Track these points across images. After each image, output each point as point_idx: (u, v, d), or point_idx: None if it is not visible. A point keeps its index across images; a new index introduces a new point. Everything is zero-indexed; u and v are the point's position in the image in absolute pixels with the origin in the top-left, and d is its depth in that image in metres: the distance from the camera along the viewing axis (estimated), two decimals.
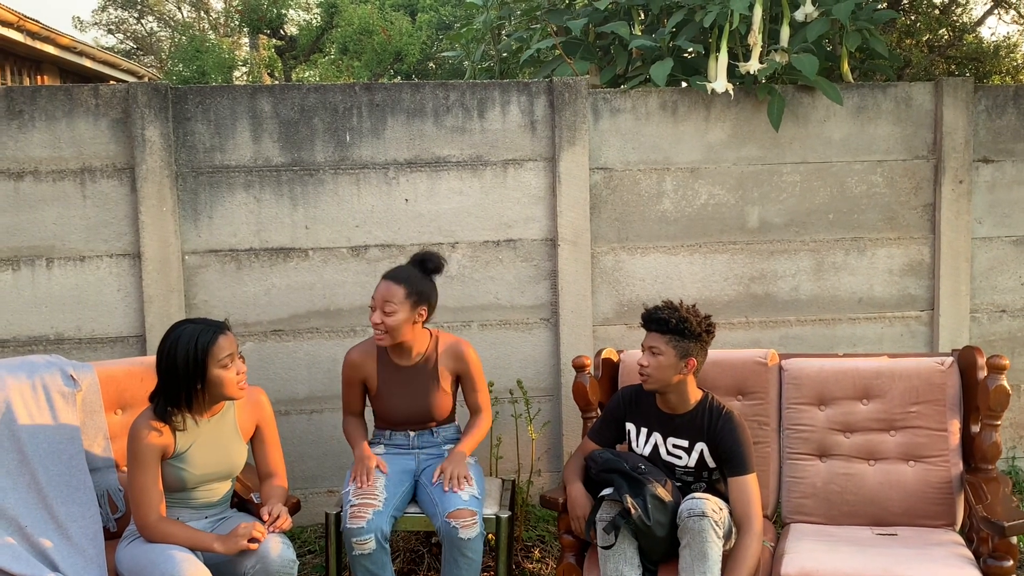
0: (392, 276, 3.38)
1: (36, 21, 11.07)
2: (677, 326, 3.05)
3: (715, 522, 2.88)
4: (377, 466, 3.35)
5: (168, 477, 2.95)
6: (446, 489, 3.27)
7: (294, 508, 3.21)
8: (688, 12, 4.45)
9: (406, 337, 3.39)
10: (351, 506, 3.19)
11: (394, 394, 3.48)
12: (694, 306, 3.16)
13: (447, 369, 3.50)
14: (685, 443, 3.15)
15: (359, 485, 3.26)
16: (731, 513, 3.03)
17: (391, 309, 3.32)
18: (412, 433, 3.52)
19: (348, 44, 10.28)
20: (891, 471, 3.39)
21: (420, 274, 3.42)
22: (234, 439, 3.08)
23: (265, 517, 2.96)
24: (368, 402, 3.59)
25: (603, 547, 3.00)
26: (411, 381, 3.46)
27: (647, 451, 3.22)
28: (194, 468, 2.97)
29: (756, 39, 4.21)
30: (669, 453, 3.18)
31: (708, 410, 3.14)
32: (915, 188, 4.46)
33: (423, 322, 3.44)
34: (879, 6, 4.69)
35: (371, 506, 3.19)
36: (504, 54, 5.73)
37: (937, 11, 7.02)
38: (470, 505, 3.23)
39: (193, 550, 2.85)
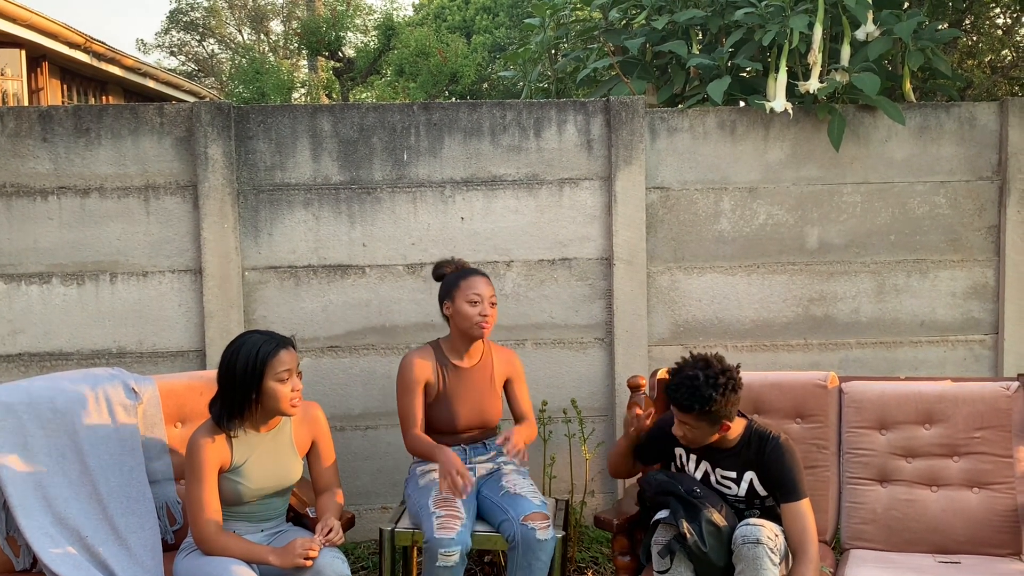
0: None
1: (102, 43, 11.37)
2: (701, 408, 2.92)
3: (770, 549, 2.83)
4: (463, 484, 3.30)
5: (225, 490, 2.98)
6: (505, 447, 3.33)
7: (348, 523, 3.22)
8: (747, 31, 4.43)
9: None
10: (438, 518, 3.18)
11: (456, 397, 3.52)
12: (716, 358, 2.98)
13: (500, 374, 3.62)
14: (733, 474, 3.08)
15: (443, 493, 3.27)
16: (786, 540, 2.97)
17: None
18: (467, 447, 3.54)
19: (404, 66, 10.38)
20: (954, 498, 3.31)
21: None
22: (290, 454, 3.10)
23: (318, 531, 2.98)
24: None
25: (658, 572, 2.96)
26: (471, 383, 3.55)
27: (698, 477, 3.17)
28: (250, 482, 3.00)
29: (816, 58, 4.17)
30: (718, 483, 3.12)
31: (753, 439, 3.05)
32: (979, 210, 4.38)
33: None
34: (941, 26, 4.62)
35: (459, 519, 3.20)
36: (560, 74, 5.75)
37: (1000, 31, 6.90)
38: (542, 509, 3.29)
39: (249, 563, 2.87)
